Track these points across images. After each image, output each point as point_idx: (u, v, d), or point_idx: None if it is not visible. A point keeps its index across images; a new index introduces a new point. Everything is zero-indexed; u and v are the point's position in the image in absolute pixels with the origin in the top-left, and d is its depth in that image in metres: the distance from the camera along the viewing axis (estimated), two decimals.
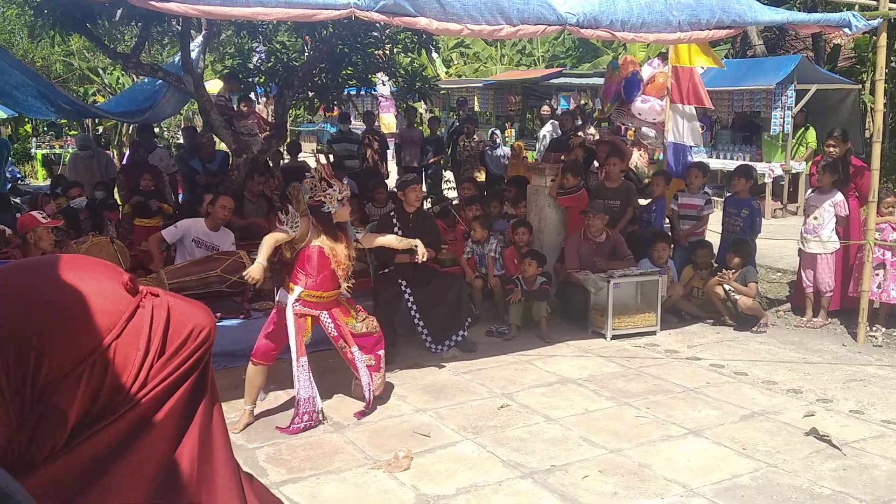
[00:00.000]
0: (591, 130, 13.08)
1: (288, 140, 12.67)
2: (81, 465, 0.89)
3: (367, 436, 4.96)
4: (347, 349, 5.25)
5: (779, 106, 12.37)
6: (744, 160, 13.11)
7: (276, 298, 5.34)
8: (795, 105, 12.50)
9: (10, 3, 7.88)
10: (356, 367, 5.26)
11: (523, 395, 5.64)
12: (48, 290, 0.90)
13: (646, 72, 8.97)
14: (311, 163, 17.85)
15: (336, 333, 5.22)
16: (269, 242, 5.05)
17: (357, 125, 14.75)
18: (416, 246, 5.49)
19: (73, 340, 0.88)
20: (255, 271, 4.96)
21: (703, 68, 8.93)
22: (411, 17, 4.91)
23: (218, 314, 6.68)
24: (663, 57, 9.60)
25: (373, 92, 13.52)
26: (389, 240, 5.65)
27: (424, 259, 5.58)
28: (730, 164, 12.98)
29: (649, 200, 8.55)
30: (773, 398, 5.61)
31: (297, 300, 5.07)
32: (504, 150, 12.78)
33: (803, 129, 13.08)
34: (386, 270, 6.63)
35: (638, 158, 11.30)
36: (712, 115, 14.30)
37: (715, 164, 13.78)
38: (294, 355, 5.04)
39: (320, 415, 5.16)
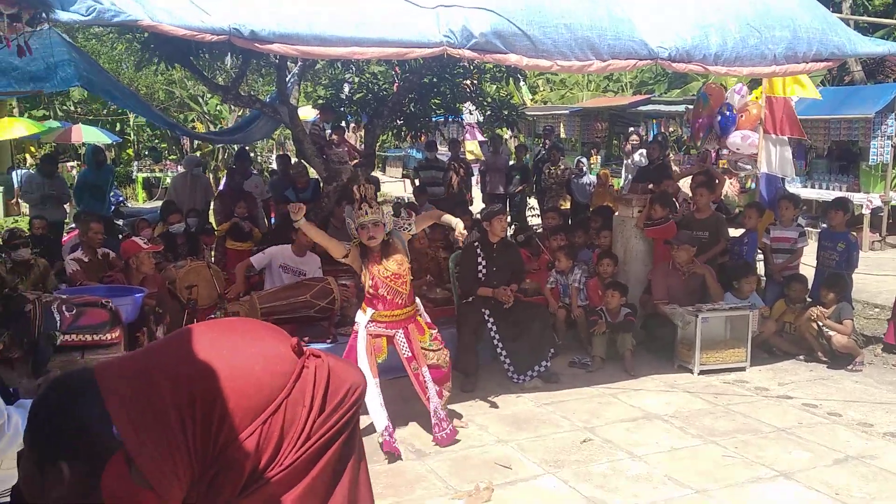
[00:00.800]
0: (673, 158, 12.93)
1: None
2: None
3: (449, 465, 5.01)
4: (419, 370, 5.32)
5: (878, 135, 11.97)
6: (840, 190, 12.73)
7: (356, 322, 5.48)
8: None
9: (120, 38, 8.33)
10: (425, 389, 5.32)
11: (607, 430, 5.60)
12: (229, 353, 1.00)
13: (733, 100, 8.82)
14: (398, 188, 18.07)
15: (409, 354, 5.31)
16: (324, 236, 5.39)
17: (443, 152, 14.95)
18: (457, 224, 5.45)
19: (251, 401, 0.98)
20: (460, 228, 5.31)
21: (796, 98, 8.73)
22: (502, 53, 4.99)
23: (306, 338, 6.87)
24: (752, 85, 9.42)
25: (460, 119, 13.69)
26: (436, 214, 5.78)
27: (461, 231, 5.48)
28: (826, 195, 12.61)
29: (741, 232, 8.38)
30: (870, 441, 5.40)
31: (370, 321, 5.25)
32: (590, 178, 12.72)
33: None
34: (470, 299, 6.69)
35: (729, 187, 11.10)
36: (807, 144, 13.92)
37: (810, 193, 13.43)
38: (369, 373, 5.15)
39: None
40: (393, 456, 5.10)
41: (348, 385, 1.07)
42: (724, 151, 9.20)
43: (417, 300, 5.46)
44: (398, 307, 5.27)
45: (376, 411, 5.15)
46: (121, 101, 12.21)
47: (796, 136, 8.89)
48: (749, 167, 9.11)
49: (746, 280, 7.39)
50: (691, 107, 15.21)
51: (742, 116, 8.72)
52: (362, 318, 5.28)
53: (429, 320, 5.53)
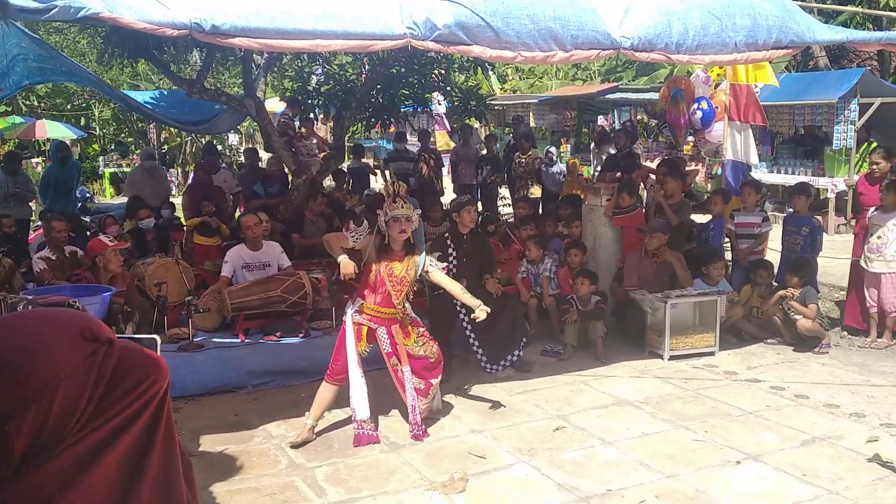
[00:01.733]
0: (641, 146, 13.03)
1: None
2: (29, 494, 1.03)
3: (423, 456, 5.03)
4: (399, 367, 5.34)
5: (842, 120, 12.12)
6: (806, 175, 12.90)
7: (345, 311, 5.48)
8: (859, 119, 12.23)
9: (82, 33, 8.23)
10: (403, 388, 5.35)
11: (579, 417, 5.65)
12: (6, 338, 1.06)
13: (704, 91, 8.89)
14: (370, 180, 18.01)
15: (390, 350, 5.32)
16: (332, 240, 5.36)
17: (413, 142, 14.92)
18: (478, 307, 5.37)
19: (23, 382, 1.02)
20: (345, 267, 5.22)
21: (757, 87, 8.82)
22: (465, 45, 4.99)
23: (278, 333, 6.86)
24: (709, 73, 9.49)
25: (428, 109, 13.68)
26: (454, 289, 5.54)
27: (481, 319, 5.49)
28: (791, 179, 12.77)
29: (708, 219, 8.47)
30: (836, 422, 5.51)
31: (357, 311, 5.27)
32: (560, 167, 12.77)
33: (866, 143, 12.79)
34: (440, 291, 6.70)
35: (700, 172, 11.22)
36: (773, 129, 14.09)
37: (776, 179, 13.59)
38: (354, 362, 5.19)
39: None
40: (372, 446, 5.18)
41: (141, 375, 1.10)
42: (690, 138, 9.28)
43: (408, 305, 5.47)
44: (389, 306, 5.28)
45: (358, 399, 5.18)
46: (80, 80, 11.94)
47: (759, 124, 9.00)
48: (717, 156, 9.22)
49: (715, 266, 7.48)
50: (657, 96, 15.36)
51: (717, 108, 8.80)
52: (350, 308, 5.34)
53: (414, 318, 5.54)
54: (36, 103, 23.07)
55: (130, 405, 1.08)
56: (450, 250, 6.68)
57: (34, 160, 20.45)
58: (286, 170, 10.30)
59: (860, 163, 12.85)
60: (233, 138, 23.73)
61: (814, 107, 12.84)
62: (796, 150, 14.31)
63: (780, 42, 5.94)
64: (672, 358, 6.97)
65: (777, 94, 12.32)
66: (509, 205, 13.70)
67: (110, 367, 1.07)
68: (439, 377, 5.51)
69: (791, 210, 8.60)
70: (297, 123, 11.27)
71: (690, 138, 9.86)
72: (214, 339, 6.74)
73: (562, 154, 15.35)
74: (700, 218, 8.92)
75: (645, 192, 9.12)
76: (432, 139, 15.70)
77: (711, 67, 8.77)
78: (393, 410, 5.79)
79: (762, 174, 13.12)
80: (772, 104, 12.86)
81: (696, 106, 9.02)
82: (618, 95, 17.82)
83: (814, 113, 12.93)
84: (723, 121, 8.91)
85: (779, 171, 13.76)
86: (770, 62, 8.35)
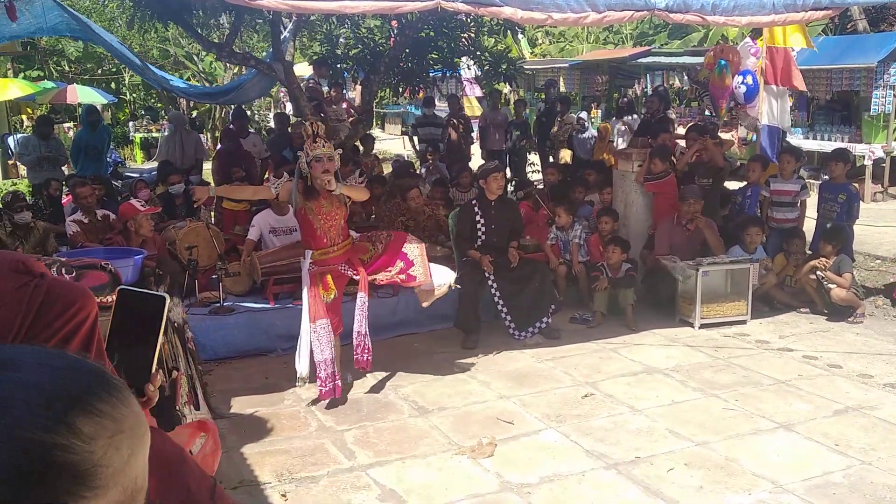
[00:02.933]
0: (674, 112, 12.77)
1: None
2: None
3: (452, 421, 5.04)
4: (358, 294, 5.37)
5: (881, 85, 11.83)
6: (842, 141, 12.63)
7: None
8: None
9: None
10: (362, 312, 5.34)
11: (608, 384, 5.62)
12: None
13: (749, 62, 8.65)
14: (397, 145, 17.96)
15: (360, 279, 5.34)
16: (244, 189, 5.31)
17: (441, 108, 14.81)
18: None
19: None
20: (198, 190, 5.39)
21: (794, 50, 8.59)
22: (496, 6, 4.91)
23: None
24: (754, 35, 9.25)
25: (457, 74, 13.54)
26: (360, 195, 5.52)
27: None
28: (827, 146, 12.51)
29: (743, 185, 8.33)
30: (869, 392, 5.43)
31: (311, 262, 5.24)
32: (592, 133, 12.62)
33: None
34: (468, 258, 6.68)
35: (732, 138, 11.02)
36: (810, 94, 13.78)
37: (812, 145, 13.33)
38: (306, 318, 5.20)
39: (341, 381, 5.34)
40: (333, 400, 5.24)
41: (68, 303, 1.23)
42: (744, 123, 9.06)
43: (353, 233, 5.49)
44: (333, 244, 5.25)
45: (302, 356, 5.25)
46: (104, 45, 11.98)
47: (797, 89, 8.79)
48: (751, 120, 9.02)
49: (753, 232, 7.36)
50: (691, 60, 15.05)
51: (762, 81, 8.58)
52: (304, 263, 5.29)
53: (361, 236, 5.61)
54: (67, 68, 23.20)
55: (61, 328, 1.20)
56: (477, 217, 6.65)
57: (66, 125, 20.62)
58: None
59: None
60: (261, 102, 23.74)
61: (852, 71, 12.54)
62: (832, 115, 14.01)
63: (820, 3, 5.78)
64: (703, 326, 6.90)
65: (814, 58, 12.01)
66: (539, 171, 13.59)
67: (41, 296, 1.21)
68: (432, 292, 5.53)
69: (827, 177, 8.42)
70: (325, 87, 11.21)
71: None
72: (244, 303, 6.78)
73: (592, 120, 15.15)
74: (734, 185, 8.76)
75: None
76: (461, 104, 15.58)
77: (759, 37, 8.56)
78: (421, 375, 5.81)
79: (797, 140, 12.86)
80: (808, 68, 12.55)
81: (740, 80, 8.81)
82: (650, 59, 17.50)
83: (852, 77, 12.63)
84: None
85: (814, 138, 13.49)
86: (808, 24, 8.14)
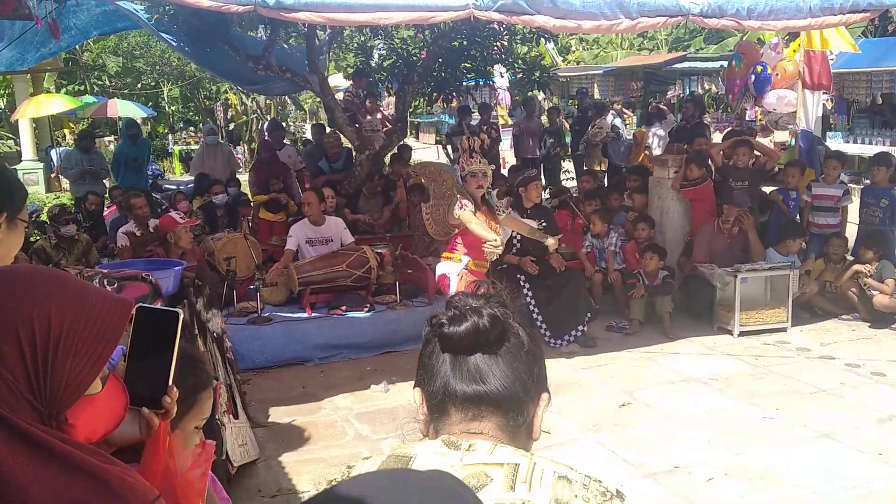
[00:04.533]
0: (710, 118, 12.61)
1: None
2: None
3: None
4: None
5: None
6: (883, 145, 12.40)
7: (440, 272, 5.65)
8: None
9: (154, 12, 8.36)
10: None
11: (645, 393, 5.58)
12: None
13: (768, 57, 8.57)
14: (431, 154, 18.00)
15: None
16: (522, 224, 5.85)
17: (475, 117, 14.80)
18: (549, 243, 5.82)
19: None
20: (551, 243, 5.80)
21: (832, 54, 8.48)
22: (529, 15, 4.92)
23: (343, 307, 6.93)
24: (790, 39, 9.14)
25: (491, 82, 13.54)
26: (527, 224, 5.91)
27: (555, 249, 5.79)
28: (868, 150, 12.31)
29: (778, 188, 8.22)
30: None
31: (465, 268, 5.46)
32: (627, 139, 12.53)
33: None
34: (504, 265, 6.68)
35: (769, 143, 10.88)
36: (849, 97, 13.58)
37: (853, 149, 13.10)
38: None
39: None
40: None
41: None
42: (746, 106, 9.00)
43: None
44: (485, 258, 5.52)
45: None
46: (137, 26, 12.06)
47: (825, 90, 8.72)
48: (791, 125, 8.91)
49: (795, 241, 7.25)
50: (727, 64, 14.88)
51: (777, 75, 8.48)
52: (453, 266, 5.49)
53: None
54: (107, 83, 23.67)
55: None
56: None
57: (107, 138, 21.03)
58: (345, 145, 10.34)
59: None
60: (297, 114, 24.00)
61: (893, 73, 12.31)
62: (874, 119, 13.77)
63: (858, 5, 5.69)
64: (742, 334, 6.82)
65: (854, 60, 11.84)
66: (573, 178, 13.53)
67: None
68: None
69: (869, 181, 8.27)
70: (361, 94, 11.27)
71: (747, 106, 9.55)
72: (282, 313, 6.85)
73: (627, 125, 15.06)
74: (770, 188, 8.65)
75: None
76: (494, 113, 15.57)
77: (795, 40, 8.48)
78: None
79: (838, 144, 12.67)
80: (848, 71, 12.40)
81: (752, 70, 8.73)
82: (685, 65, 17.37)
83: (893, 80, 12.41)
84: (783, 91, 8.58)
85: (855, 141, 13.27)
86: (847, 27, 8.02)
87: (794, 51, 8.69)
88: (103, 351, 1.13)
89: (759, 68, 8.61)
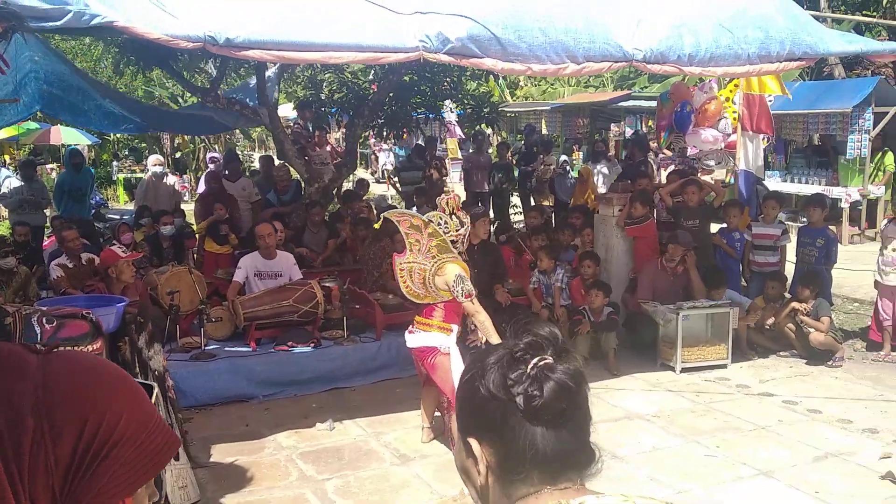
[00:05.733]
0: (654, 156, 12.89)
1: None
2: None
3: (433, 469, 5.02)
4: None
5: (856, 129, 12.06)
6: (819, 185, 12.83)
7: (424, 344, 5.06)
8: (873, 128, 12.16)
9: (98, 40, 8.32)
10: None
11: None
12: None
13: (697, 98, 8.83)
14: (381, 187, 17.97)
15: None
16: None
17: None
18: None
19: None
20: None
21: (770, 97, 8.78)
22: (478, 58, 5.01)
23: (289, 343, 6.87)
24: (726, 81, 9.45)
25: (441, 117, 13.67)
26: (489, 330, 4.97)
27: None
28: (805, 189, 12.72)
29: (720, 227, 8.42)
30: (848, 437, 5.47)
31: (457, 339, 5.04)
32: (573, 175, 12.72)
33: (881, 153, 12.73)
34: None
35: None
36: (787, 138, 14.02)
37: (790, 188, 13.51)
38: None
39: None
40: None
41: None
42: (690, 148, 9.21)
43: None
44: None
45: None
46: (84, 121, 12.06)
47: (767, 133, 9.00)
48: (712, 163, 9.16)
49: (718, 290, 7.37)
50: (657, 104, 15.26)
51: (699, 113, 8.73)
52: (444, 338, 4.97)
53: None
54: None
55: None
56: None
57: (49, 166, 20.59)
58: (294, 177, 10.31)
59: (874, 172, 12.77)
60: (245, 143, 23.83)
61: (828, 115, 12.77)
62: (810, 159, 14.24)
63: (794, 54, 5.92)
64: (684, 370, 6.94)
65: (791, 102, 12.24)
66: (521, 213, 13.67)
67: None
68: None
69: (805, 221, 8.55)
70: (310, 127, 11.27)
71: (687, 146, 9.76)
72: (226, 349, 6.76)
73: (574, 162, 15.30)
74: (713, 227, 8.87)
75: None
76: (443, 146, 15.70)
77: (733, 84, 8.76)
78: (403, 422, 5.79)
79: (776, 183, 13.05)
80: (785, 113, 12.80)
81: (678, 109, 9.00)
82: (631, 103, 17.75)
83: (828, 122, 12.86)
84: (706, 128, 8.81)
85: (792, 181, 13.69)
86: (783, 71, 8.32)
87: (731, 92, 8.97)
88: (143, 476, 1.08)
89: (679, 107, 8.86)
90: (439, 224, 4.95)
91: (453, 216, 5.00)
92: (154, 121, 13.01)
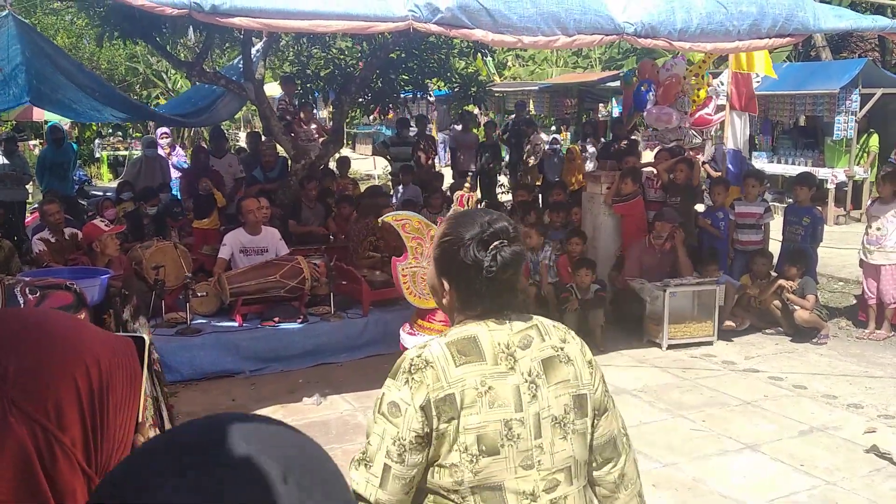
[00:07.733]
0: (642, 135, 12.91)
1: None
2: None
3: None
4: None
5: (843, 111, 12.09)
6: (806, 165, 12.87)
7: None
8: (860, 110, 12.20)
9: (80, 13, 8.17)
10: None
11: None
12: None
13: (662, 76, 8.79)
14: (368, 164, 17.88)
15: None
16: None
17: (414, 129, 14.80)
18: None
19: None
20: None
21: (758, 76, 8.76)
22: (468, 28, 4.95)
23: (276, 318, 6.83)
24: (719, 62, 9.44)
25: (428, 95, 13.58)
26: None
27: None
28: (791, 170, 12.74)
29: (706, 208, 8.44)
30: (833, 413, 5.50)
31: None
32: (562, 155, 12.71)
33: (866, 134, 12.77)
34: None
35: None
36: (774, 119, 14.04)
37: (776, 168, 13.56)
38: None
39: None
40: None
41: None
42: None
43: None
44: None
45: None
46: (72, 115, 11.90)
47: (751, 112, 9.01)
48: (697, 141, 9.18)
49: (708, 268, 7.39)
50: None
51: (659, 90, 8.69)
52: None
53: None
54: None
55: None
56: None
57: (31, 142, 20.34)
58: (281, 154, 10.23)
59: (860, 153, 12.82)
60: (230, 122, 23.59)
61: (815, 97, 12.79)
62: (797, 140, 14.28)
63: (785, 30, 5.90)
64: (670, 347, 6.96)
65: (778, 83, 12.28)
66: (508, 191, 13.64)
67: None
68: None
69: (792, 200, 8.57)
70: (296, 103, 11.17)
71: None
72: (212, 324, 6.71)
73: (561, 142, 15.28)
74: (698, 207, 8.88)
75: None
76: (431, 125, 15.63)
77: (723, 63, 8.75)
78: None
79: (762, 164, 13.09)
80: (773, 94, 12.83)
81: (639, 88, 8.98)
82: (618, 83, 17.72)
83: (815, 103, 12.88)
84: (659, 106, 8.80)
85: (779, 161, 13.73)
86: (771, 52, 8.31)
87: (700, 69, 8.95)
88: (132, 398, 1.03)
89: (643, 86, 8.84)
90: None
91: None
92: (144, 117, 12.84)
